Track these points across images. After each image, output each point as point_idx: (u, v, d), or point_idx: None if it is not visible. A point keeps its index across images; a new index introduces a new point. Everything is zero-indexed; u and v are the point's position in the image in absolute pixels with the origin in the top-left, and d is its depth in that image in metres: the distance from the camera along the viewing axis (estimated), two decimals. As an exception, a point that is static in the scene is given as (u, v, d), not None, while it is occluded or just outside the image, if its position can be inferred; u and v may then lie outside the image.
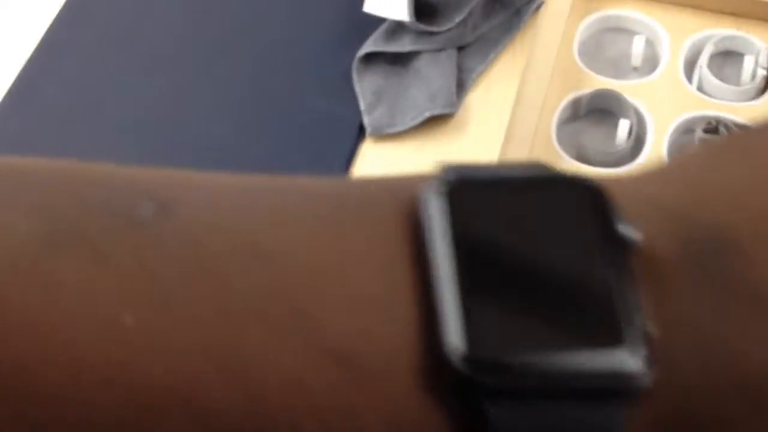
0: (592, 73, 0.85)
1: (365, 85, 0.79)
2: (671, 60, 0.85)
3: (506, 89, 0.78)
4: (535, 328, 0.19)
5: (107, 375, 0.18)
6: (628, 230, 0.20)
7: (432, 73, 0.78)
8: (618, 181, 0.22)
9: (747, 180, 0.21)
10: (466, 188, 0.20)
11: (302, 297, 0.19)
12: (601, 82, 0.84)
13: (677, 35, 0.86)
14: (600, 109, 0.84)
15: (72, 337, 0.18)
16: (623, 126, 0.80)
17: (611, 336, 0.19)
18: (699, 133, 0.78)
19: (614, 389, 0.19)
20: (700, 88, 0.83)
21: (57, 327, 0.18)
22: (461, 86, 0.78)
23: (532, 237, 0.20)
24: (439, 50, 0.78)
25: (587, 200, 0.20)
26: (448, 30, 0.79)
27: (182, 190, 0.21)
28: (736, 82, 0.83)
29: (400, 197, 0.21)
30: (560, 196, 0.21)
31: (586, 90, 0.84)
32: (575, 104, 0.84)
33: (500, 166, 0.23)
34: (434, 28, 0.78)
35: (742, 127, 0.22)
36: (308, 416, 0.18)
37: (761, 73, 0.82)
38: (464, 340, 0.18)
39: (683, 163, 0.23)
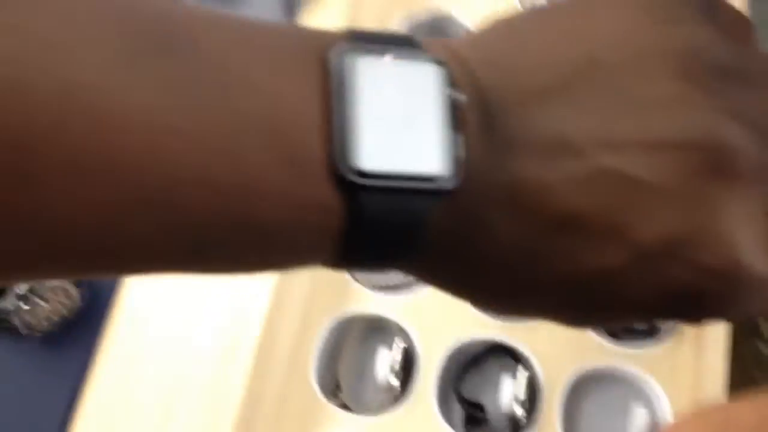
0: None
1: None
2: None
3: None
4: (392, 151, 0.30)
5: (154, 158, 0.27)
6: (458, 95, 0.31)
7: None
8: (452, 52, 0.33)
9: (521, 59, 0.33)
10: (362, 51, 0.31)
11: (275, 120, 0.29)
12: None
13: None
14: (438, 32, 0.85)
15: (135, 128, 0.26)
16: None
17: (434, 160, 0.30)
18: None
19: (430, 189, 0.30)
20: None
21: (122, 125, 0.26)
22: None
23: (400, 91, 0.30)
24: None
25: (437, 72, 0.31)
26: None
27: (203, 30, 0.29)
28: None
29: (322, 48, 0.31)
30: (422, 67, 0.31)
31: (424, 14, 0.84)
32: (416, 27, 0.84)
33: (387, 36, 0.32)
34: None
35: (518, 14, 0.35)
36: (273, 192, 0.29)
37: None
38: (349, 153, 0.29)
39: (486, 39, 0.34)
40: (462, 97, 0.31)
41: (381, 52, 0.31)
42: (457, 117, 0.31)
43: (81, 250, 0.28)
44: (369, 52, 0.31)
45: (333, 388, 0.74)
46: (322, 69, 0.30)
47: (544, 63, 0.32)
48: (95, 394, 0.72)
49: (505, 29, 0.34)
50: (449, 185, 0.30)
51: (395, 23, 0.83)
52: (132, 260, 0.29)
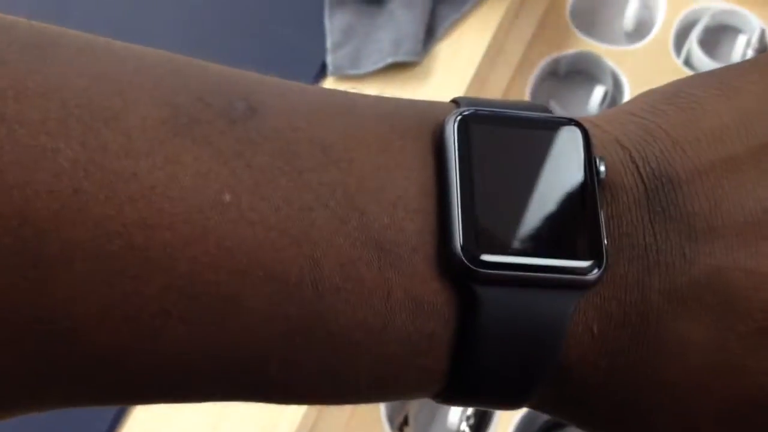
0: (579, 34, 0.82)
1: (335, 23, 0.77)
2: (663, 29, 0.81)
3: (477, 42, 0.75)
4: (519, 236, 0.25)
5: (207, 238, 0.23)
6: (600, 164, 0.26)
7: (404, 17, 0.75)
8: (588, 121, 0.28)
9: (685, 130, 0.27)
10: (481, 120, 0.26)
11: (357, 196, 0.24)
12: (587, 43, 0.81)
13: (675, 4, 0.83)
14: (580, 72, 0.81)
15: (185, 205, 0.23)
16: (598, 92, 0.77)
17: (572, 246, 0.25)
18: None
19: (568, 280, 0.25)
20: (687, 62, 0.80)
21: (174, 197, 0.23)
22: (431, 34, 0.76)
23: (529, 165, 0.26)
24: (417, -7, 0.75)
25: (575, 138, 0.26)
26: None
27: (268, 95, 0.26)
28: (727, 60, 0.79)
29: (431, 122, 0.26)
30: (554, 133, 0.26)
31: (569, 50, 0.81)
32: (555, 63, 0.81)
33: (508, 103, 0.28)
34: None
35: (677, 79, 0.29)
36: (353, 289, 0.24)
37: (750, 55, 0.78)
38: (465, 240, 0.24)
39: (634, 109, 0.28)
40: (622, 168, 0.26)
41: (502, 121, 0.26)
42: (606, 192, 0.26)
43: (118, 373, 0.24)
44: (488, 121, 0.26)
45: (401, 423, 0.70)
46: (432, 142, 0.26)
47: (726, 131, 0.27)
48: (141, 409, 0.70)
49: (657, 97, 0.29)
50: (595, 277, 0.25)
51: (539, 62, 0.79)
52: (165, 387, 0.25)
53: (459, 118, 0.26)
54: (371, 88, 0.73)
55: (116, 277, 0.23)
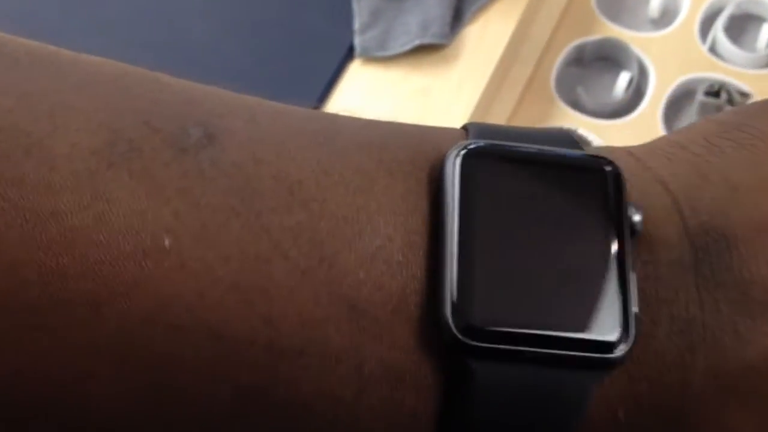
0: (605, 20, 0.82)
1: (363, 4, 0.77)
2: (689, 16, 0.81)
3: (504, 27, 0.76)
4: (526, 302, 0.20)
5: (140, 289, 0.19)
6: (635, 214, 0.21)
7: (432, 0, 0.75)
8: (628, 154, 0.23)
9: (745, 173, 0.22)
10: (489, 157, 0.22)
11: (327, 243, 0.20)
12: (612, 30, 0.81)
13: (699, -9, 0.83)
14: (605, 58, 0.81)
15: (114, 251, 0.20)
16: (623, 78, 0.77)
17: (594, 315, 0.21)
18: (699, 96, 0.76)
19: (587, 358, 0.20)
20: (712, 49, 0.80)
21: (101, 241, 0.19)
22: (458, 18, 0.76)
23: (544, 214, 0.21)
24: (445, -24, 0.76)
25: (603, 180, 0.22)
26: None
27: (232, 120, 0.22)
28: (752, 48, 0.80)
29: (429, 155, 0.22)
30: (578, 176, 0.22)
31: (595, 36, 0.81)
32: (580, 49, 0.81)
33: (525, 133, 0.23)
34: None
35: (741, 106, 0.24)
36: (317, 353, 0.20)
37: (776, 42, 0.79)
38: (459, 305, 0.20)
39: (686, 141, 0.23)
40: (665, 217, 0.22)
41: (516, 158, 0.22)
42: (643, 247, 0.22)
43: None
44: (499, 157, 0.22)
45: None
46: (428, 180, 0.22)
47: None
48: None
49: (713, 128, 0.24)
50: (621, 355, 0.20)
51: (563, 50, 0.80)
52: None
53: (464, 152, 0.22)
54: (398, 70, 0.74)
55: (33, 333, 0.20)
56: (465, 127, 0.24)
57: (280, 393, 0.20)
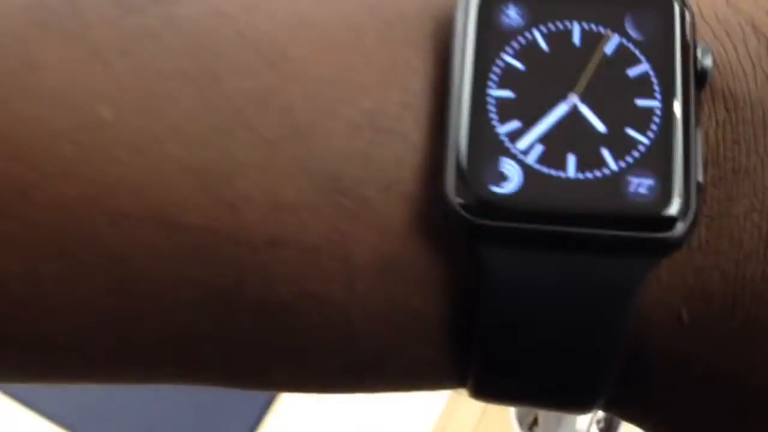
0: None
1: None
2: None
3: None
4: (555, 177, 0.16)
5: (76, 170, 0.16)
6: (704, 57, 0.17)
7: None
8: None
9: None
10: None
11: (302, 110, 0.17)
12: None
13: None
14: None
15: (44, 126, 0.16)
16: None
17: (641, 181, 0.16)
18: None
19: (636, 239, 0.16)
20: None
21: (27, 116, 0.16)
22: None
23: (581, 53, 0.17)
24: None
25: (667, 15, 0.17)
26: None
27: None
28: None
29: (440, 2, 0.18)
30: (634, 8, 0.17)
31: None
32: None
33: None
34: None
35: None
36: (292, 244, 0.17)
37: None
38: (470, 176, 0.16)
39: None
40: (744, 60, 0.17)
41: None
42: (716, 96, 0.17)
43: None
44: None
45: (530, 423, 0.72)
46: (433, 31, 0.18)
47: None
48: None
49: None
50: (681, 234, 0.16)
51: None
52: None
53: None
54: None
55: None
56: None
57: (251, 294, 0.17)
